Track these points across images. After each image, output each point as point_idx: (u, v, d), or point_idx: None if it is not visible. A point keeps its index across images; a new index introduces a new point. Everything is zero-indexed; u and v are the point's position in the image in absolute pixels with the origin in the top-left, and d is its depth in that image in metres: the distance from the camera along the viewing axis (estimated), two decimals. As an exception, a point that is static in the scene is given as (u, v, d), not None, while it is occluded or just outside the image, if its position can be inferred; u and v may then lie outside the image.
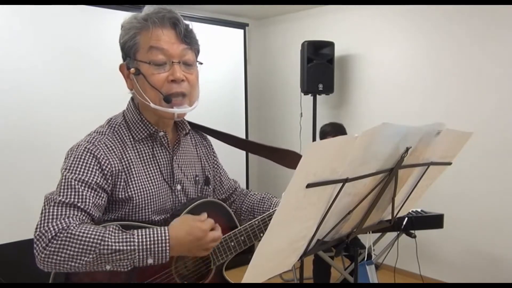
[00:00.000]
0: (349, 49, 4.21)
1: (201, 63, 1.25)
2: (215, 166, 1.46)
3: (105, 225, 1.10)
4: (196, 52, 1.24)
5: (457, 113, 3.52)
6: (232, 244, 1.25)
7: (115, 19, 3.27)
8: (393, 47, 3.91)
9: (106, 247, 1.02)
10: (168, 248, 1.07)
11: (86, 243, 1.02)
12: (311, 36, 4.25)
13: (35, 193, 2.93)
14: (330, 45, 4.04)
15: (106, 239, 1.03)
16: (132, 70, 1.17)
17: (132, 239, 1.05)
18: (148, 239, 1.06)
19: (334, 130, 3.25)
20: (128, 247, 1.04)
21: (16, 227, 2.91)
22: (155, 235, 1.07)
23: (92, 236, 1.03)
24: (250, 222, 1.27)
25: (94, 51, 3.24)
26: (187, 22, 1.21)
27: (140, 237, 1.06)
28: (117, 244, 1.03)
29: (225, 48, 4.12)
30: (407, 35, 3.82)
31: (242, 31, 4.29)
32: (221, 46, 4.07)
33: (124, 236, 1.05)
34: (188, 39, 1.19)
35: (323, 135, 3.28)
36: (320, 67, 4.00)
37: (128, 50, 1.19)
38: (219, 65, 4.01)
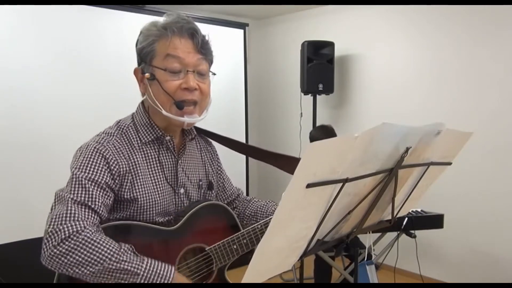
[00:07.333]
0: (349, 49, 4.21)
1: (214, 74, 1.32)
2: (219, 172, 1.49)
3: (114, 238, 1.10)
4: (210, 62, 1.31)
5: (457, 113, 3.52)
6: (235, 247, 1.27)
7: (115, 19, 3.31)
8: (393, 47, 3.91)
9: (116, 262, 1.04)
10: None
11: (99, 253, 1.03)
12: (311, 36, 4.25)
13: (35, 194, 2.95)
14: (330, 45, 4.05)
15: (119, 255, 1.05)
16: (147, 75, 1.21)
17: (140, 265, 1.07)
18: (154, 271, 1.08)
19: (324, 136, 3.20)
20: (134, 269, 1.05)
21: (16, 227, 2.91)
22: (162, 270, 1.09)
23: (108, 248, 1.04)
24: (252, 225, 1.29)
25: (94, 51, 3.24)
26: (204, 33, 1.26)
27: (148, 265, 1.08)
28: (126, 263, 1.05)
29: (225, 48, 4.12)
30: (407, 35, 3.82)
31: (242, 31, 4.29)
32: (221, 46, 4.06)
33: (135, 259, 1.07)
34: (204, 50, 1.25)
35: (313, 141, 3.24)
36: (320, 67, 4.01)
37: (145, 55, 1.23)
38: (219, 65, 3.97)
